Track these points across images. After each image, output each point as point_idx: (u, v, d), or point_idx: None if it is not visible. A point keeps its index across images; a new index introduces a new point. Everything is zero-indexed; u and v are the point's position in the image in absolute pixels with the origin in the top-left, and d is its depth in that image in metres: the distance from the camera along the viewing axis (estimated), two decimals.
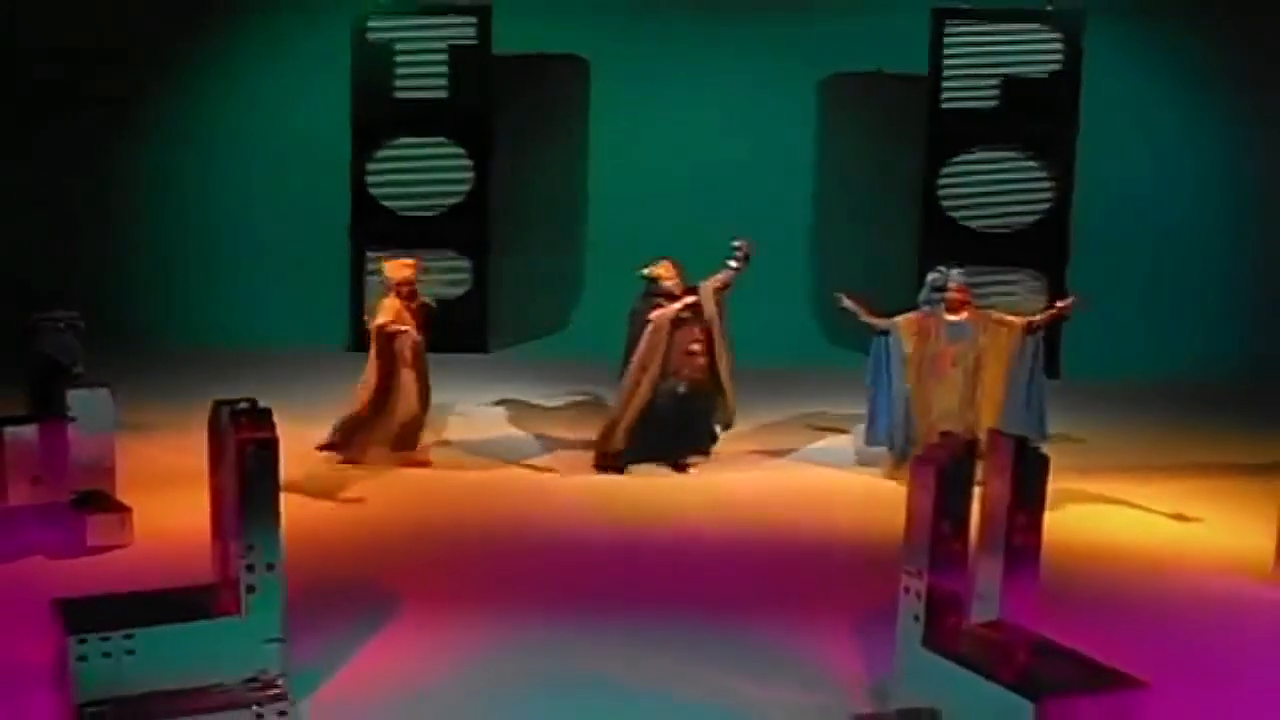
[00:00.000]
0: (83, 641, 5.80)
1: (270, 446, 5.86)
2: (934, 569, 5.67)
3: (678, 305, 10.27)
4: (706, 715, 6.26)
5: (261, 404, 6.06)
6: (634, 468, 10.27)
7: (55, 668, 6.14)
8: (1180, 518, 9.32)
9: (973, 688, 5.60)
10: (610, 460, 10.30)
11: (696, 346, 10.27)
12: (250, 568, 5.92)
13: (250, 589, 5.94)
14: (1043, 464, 5.78)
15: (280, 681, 6.03)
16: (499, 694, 6.46)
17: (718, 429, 10.58)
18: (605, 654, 6.89)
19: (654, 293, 10.36)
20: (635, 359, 10.27)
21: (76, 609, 6.08)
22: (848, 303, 10.33)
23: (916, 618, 5.77)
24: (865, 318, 10.27)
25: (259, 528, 5.92)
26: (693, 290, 10.32)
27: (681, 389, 10.26)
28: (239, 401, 6.01)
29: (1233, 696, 6.57)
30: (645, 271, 10.42)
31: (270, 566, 5.96)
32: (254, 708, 5.91)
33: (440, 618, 7.33)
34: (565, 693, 6.48)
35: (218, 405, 6.07)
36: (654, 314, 10.27)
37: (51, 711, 6.03)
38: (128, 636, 5.84)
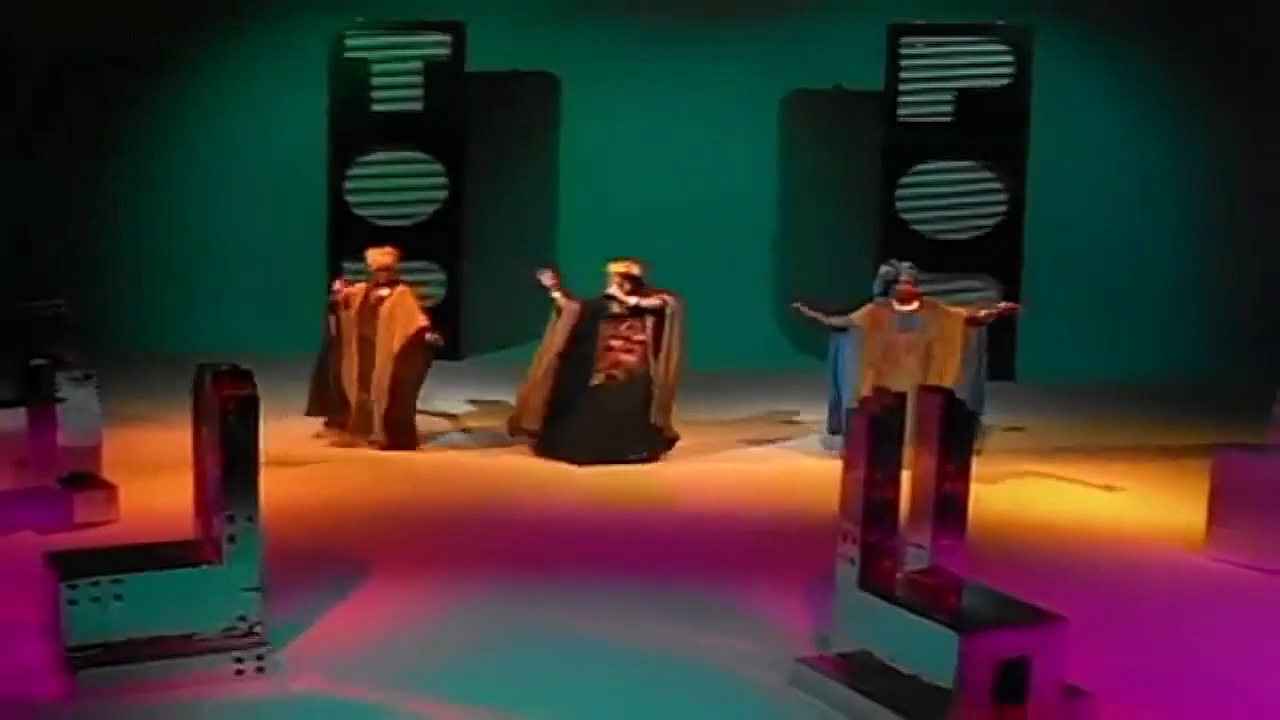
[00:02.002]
0: (73, 587, 6.14)
1: (250, 404, 6.24)
2: (868, 514, 6.10)
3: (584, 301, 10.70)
4: (662, 663, 6.63)
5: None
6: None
7: (46, 617, 6.50)
8: (1119, 494, 9.90)
9: (905, 626, 6.00)
10: (520, 431, 10.78)
11: (616, 343, 10.61)
12: (231, 519, 6.27)
13: (231, 539, 6.30)
14: (969, 418, 6.21)
15: (259, 630, 6.39)
16: (471, 645, 6.82)
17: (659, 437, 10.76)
18: (570, 611, 7.28)
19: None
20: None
21: (67, 559, 6.45)
22: (807, 312, 10.84)
23: (852, 561, 6.19)
24: (827, 321, 10.80)
25: (239, 482, 6.25)
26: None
27: (596, 381, 10.60)
28: (221, 364, 6.40)
29: (1167, 641, 7.08)
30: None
31: (250, 519, 6.31)
32: (233, 653, 6.29)
33: (416, 581, 7.71)
34: (532, 644, 6.84)
35: (201, 368, 6.45)
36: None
37: (40, 660, 6.34)
38: (116, 582, 6.19)
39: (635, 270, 10.75)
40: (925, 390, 6.35)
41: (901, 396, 6.18)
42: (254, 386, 6.29)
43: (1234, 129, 15.06)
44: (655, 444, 10.66)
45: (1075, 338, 14.70)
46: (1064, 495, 9.92)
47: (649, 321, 10.64)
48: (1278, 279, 15.09)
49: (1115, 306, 15.16)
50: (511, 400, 12.45)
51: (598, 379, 10.62)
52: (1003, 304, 11.25)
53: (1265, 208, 15.19)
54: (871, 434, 6.03)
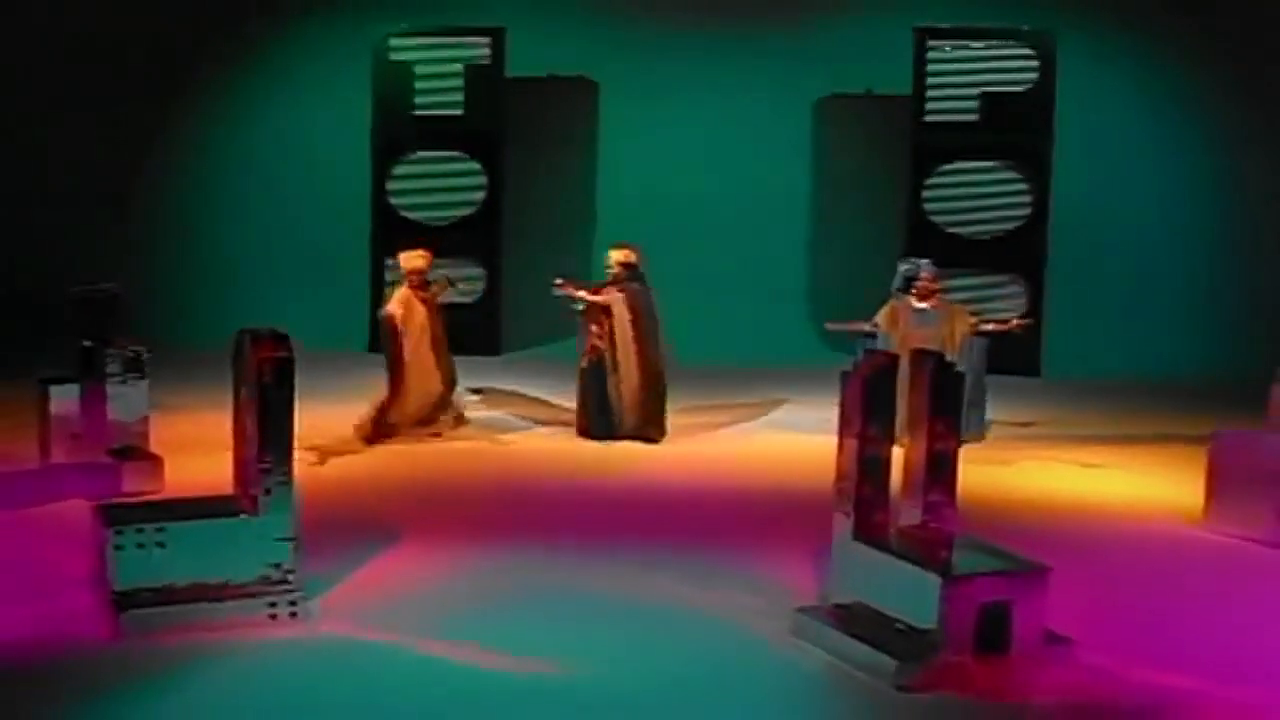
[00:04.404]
0: (120, 533, 6.61)
1: (287, 365, 6.67)
2: (861, 470, 6.46)
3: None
4: (672, 616, 7.03)
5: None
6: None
7: (95, 564, 6.96)
8: (1127, 476, 10.32)
9: (895, 575, 6.37)
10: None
11: (594, 328, 11.12)
12: (267, 473, 6.72)
13: (266, 492, 6.74)
14: (957, 379, 6.56)
15: (291, 577, 6.82)
16: (491, 599, 7.26)
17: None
18: (586, 571, 7.70)
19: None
20: None
21: (115, 509, 6.93)
22: (837, 326, 11.26)
23: (847, 514, 6.55)
24: (856, 328, 11.23)
25: (275, 438, 6.70)
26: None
27: (583, 364, 11.19)
28: (259, 329, 6.84)
29: (1157, 598, 7.45)
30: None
31: (284, 474, 6.75)
32: (267, 598, 6.72)
33: (442, 545, 8.15)
34: (548, 598, 7.27)
35: (241, 333, 6.89)
36: None
37: (89, 606, 6.82)
38: (159, 531, 6.65)
39: (629, 257, 11.20)
40: (917, 353, 6.70)
41: (895, 359, 6.54)
42: (290, 349, 6.72)
43: (1256, 128, 15.25)
44: (643, 436, 11.03)
45: (1100, 335, 14.94)
46: (1074, 475, 10.28)
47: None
48: None
49: (1139, 304, 15.35)
50: (543, 394, 12.97)
51: (583, 362, 11.17)
52: (1014, 320, 11.55)
53: None
54: (865, 394, 6.39)
